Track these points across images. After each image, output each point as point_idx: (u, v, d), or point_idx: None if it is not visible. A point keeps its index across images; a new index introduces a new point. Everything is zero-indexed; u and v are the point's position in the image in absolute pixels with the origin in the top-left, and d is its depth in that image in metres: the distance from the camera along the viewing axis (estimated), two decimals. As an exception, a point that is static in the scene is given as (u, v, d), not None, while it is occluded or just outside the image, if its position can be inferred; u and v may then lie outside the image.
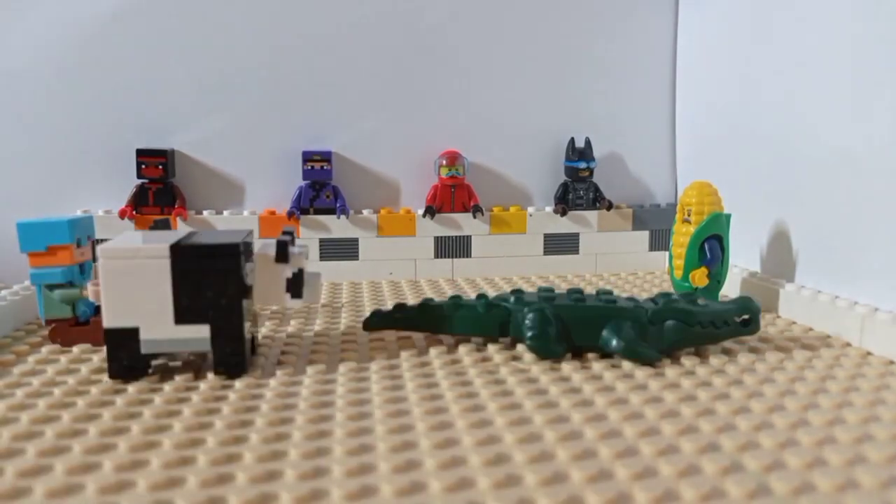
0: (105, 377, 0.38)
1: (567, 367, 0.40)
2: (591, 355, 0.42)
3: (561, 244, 0.70)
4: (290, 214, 0.65)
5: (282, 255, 0.40)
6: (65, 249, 0.43)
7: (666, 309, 0.42)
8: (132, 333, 0.37)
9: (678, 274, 0.54)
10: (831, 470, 0.28)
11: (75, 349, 0.44)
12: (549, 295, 0.44)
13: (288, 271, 0.40)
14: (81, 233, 0.45)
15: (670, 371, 0.39)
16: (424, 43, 0.68)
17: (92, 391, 0.37)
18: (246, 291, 0.39)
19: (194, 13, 0.65)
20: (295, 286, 0.40)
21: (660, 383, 0.37)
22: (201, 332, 0.38)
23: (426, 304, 0.45)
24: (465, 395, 0.36)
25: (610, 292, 0.45)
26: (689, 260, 0.52)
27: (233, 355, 0.38)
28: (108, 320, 0.37)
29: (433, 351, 0.43)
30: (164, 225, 0.48)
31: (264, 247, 0.41)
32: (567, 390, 0.37)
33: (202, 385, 0.37)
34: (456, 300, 0.45)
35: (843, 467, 0.28)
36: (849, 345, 0.44)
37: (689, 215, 0.53)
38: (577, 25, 0.70)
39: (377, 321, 0.45)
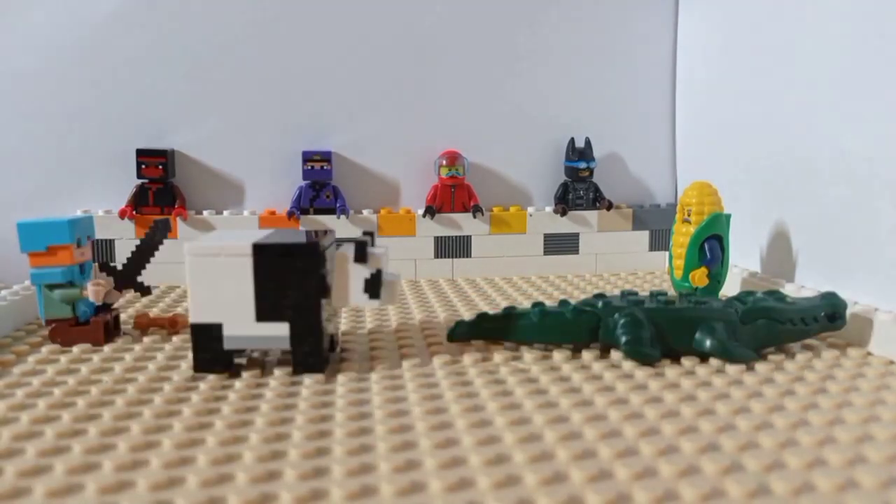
0: (104, 377, 0.38)
1: (567, 367, 0.40)
2: (588, 355, 0.42)
3: (561, 244, 0.70)
4: (291, 214, 0.65)
5: (360, 255, 0.40)
6: (65, 249, 0.43)
7: (757, 308, 0.42)
8: (216, 329, 0.38)
9: (678, 274, 0.54)
10: (831, 470, 0.28)
11: (75, 349, 0.44)
12: (636, 298, 0.43)
13: (366, 272, 0.40)
14: (81, 233, 0.45)
15: (670, 371, 0.39)
16: (424, 43, 0.68)
17: (92, 391, 0.37)
18: (325, 291, 0.39)
19: (194, 13, 0.65)
20: (373, 287, 0.41)
21: (660, 383, 0.37)
22: (281, 330, 0.38)
23: (511, 313, 0.44)
24: (465, 395, 0.36)
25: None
26: (689, 260, 0.52)
27: (310, 354, 0.39)
28: (195, 315, 0.38)
29: (433, 351, 0.43)
30: (165, 225, 0.48)
31: (344, 247, 0.41)
32: (567, 390, 0.37)
33: (202, 385, 0.37)
34: (541, 307, 0.44)
35: (843, 467, 0.28)
36: (849, 345, 0.44)
37: (689, 215, 0.53)
38: (576, 26, 0.70)
39: (462, 331, 0.44)
